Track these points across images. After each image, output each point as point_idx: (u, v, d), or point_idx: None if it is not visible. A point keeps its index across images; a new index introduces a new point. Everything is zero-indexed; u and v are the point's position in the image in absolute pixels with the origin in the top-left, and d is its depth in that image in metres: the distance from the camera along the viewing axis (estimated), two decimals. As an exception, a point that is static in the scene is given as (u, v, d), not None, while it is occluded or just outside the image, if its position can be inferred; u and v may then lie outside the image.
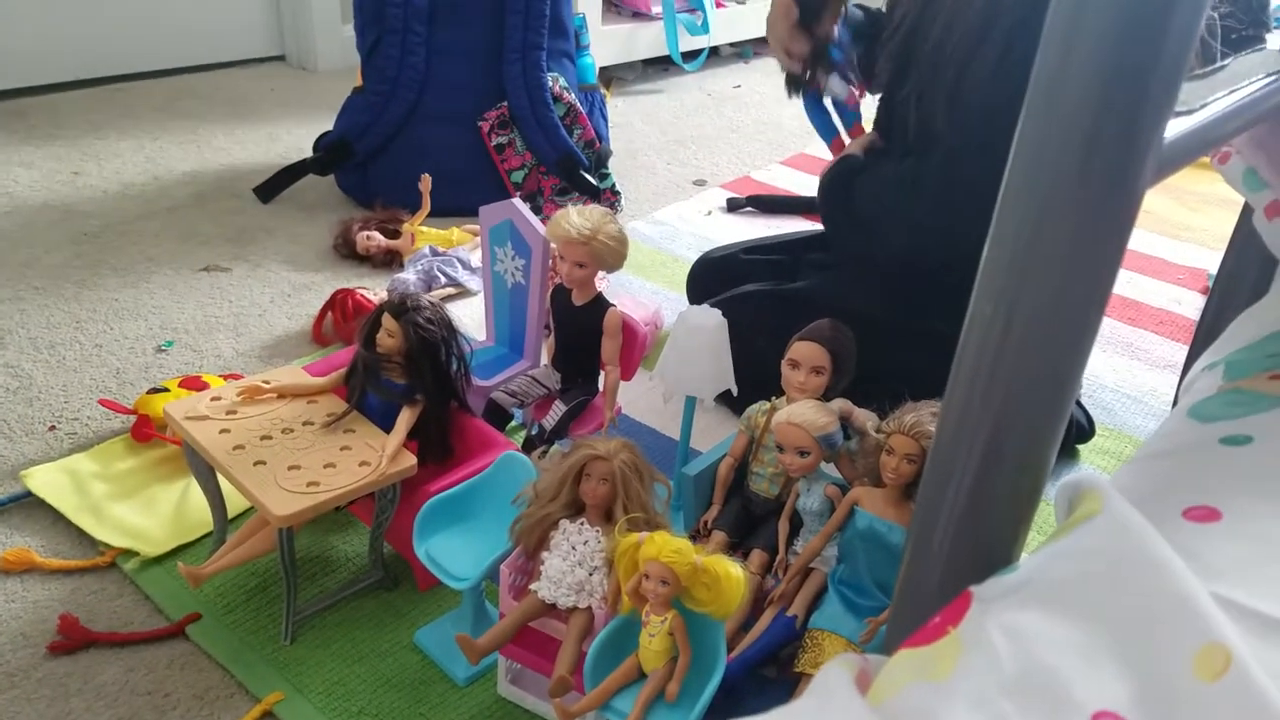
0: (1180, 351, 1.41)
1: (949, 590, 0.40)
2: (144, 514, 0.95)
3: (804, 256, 1.22)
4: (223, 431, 0.84)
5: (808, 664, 0.77)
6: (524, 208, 1.05)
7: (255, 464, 0.80)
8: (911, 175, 1.00)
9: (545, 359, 1.07)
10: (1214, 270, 1.36)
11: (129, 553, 0.90)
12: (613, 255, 0.95)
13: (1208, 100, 0.40)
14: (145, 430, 1.03)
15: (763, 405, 0.90)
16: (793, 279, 1.17)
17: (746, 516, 0.90)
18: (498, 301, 1.12)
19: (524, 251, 1.06)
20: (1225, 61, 0.46)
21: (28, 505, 0.96)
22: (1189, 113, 0.38)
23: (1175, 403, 0.72)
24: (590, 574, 0.72)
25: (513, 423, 1.06)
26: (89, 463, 1.01)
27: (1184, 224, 1.91)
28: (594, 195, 1.71)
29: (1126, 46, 0.32)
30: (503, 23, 1.65)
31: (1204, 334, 1.01)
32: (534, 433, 1.00)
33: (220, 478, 0.87)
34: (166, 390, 1.06)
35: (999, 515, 0.41)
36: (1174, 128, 0.35)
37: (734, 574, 0.66)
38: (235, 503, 0.92)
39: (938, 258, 0.94)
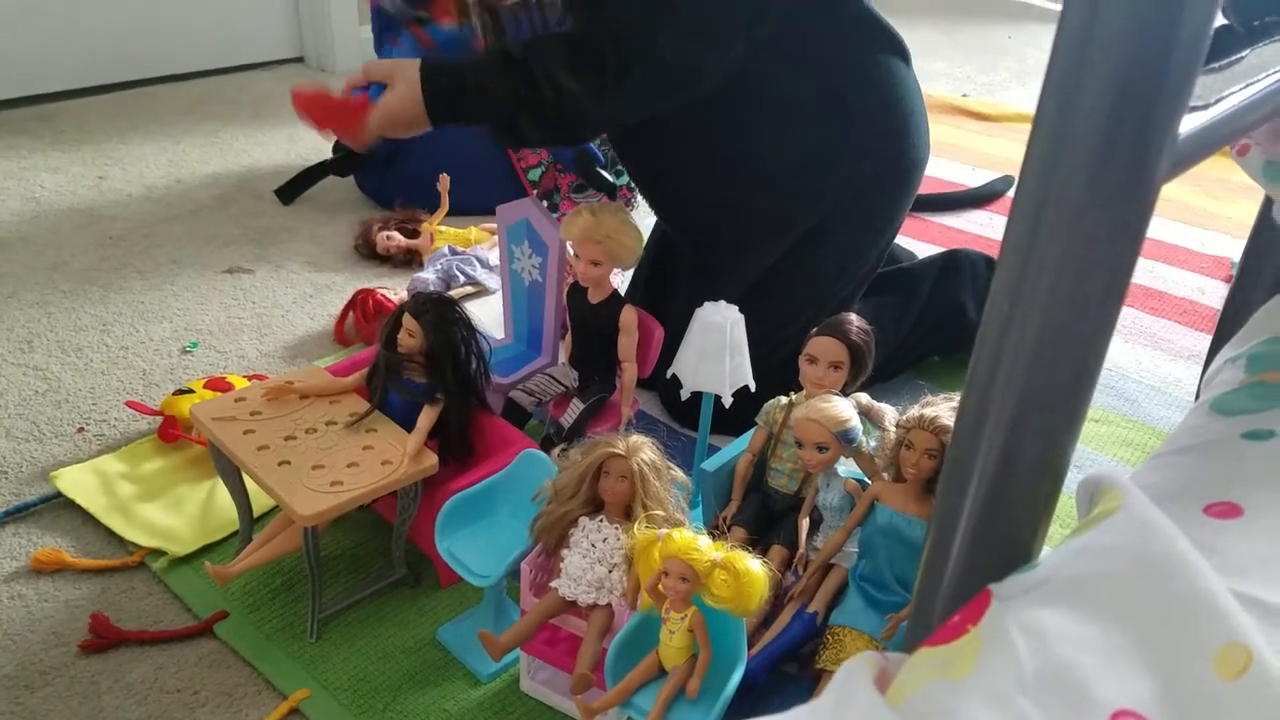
0: (1204, 341, 1.39)
1: (968, 588, 0.40)
2: (171, 514, 0.97)
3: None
4: (248, 432, 0.85)
5: (829, 660, 0.77)
6: (540, 206, 1.06)
7: (280, 464, 0.81)
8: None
9: (563, 357, 1.07)
10: (1238, 259, 1.34)
11: (157, 552, 0.92)
12: (627, 252, 0.95)
13: (1224, 94, 0.40)
14: (172, 431, 1.05)
15: (781, 400, 0.90)
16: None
17: (765, 512, 0.90)
18: (515, 299, 1.13)
19: (540, 249, 1.06)
20: (1243, 53, 0.46)
21: (57, 506, 0.98)
22: (1205, 107, 0.38)
23: (1198, 395, 0.71)
24: (610, 571, 0.73)
25: (531, 421, 1.07)
26: (117, 463, 1.03)
27: (1207, 212, 1.88)
28: (610, 192, 1.71)
29: (1140, 43, 0.32)
30: (518, 21, 1.66)
31: (1228, 323, 1.00)
32: (551, 430, 1.00)
33: (246, 477, 0.88)
34: (192, 391, 1.08)
35: (1018, 513, 0.41)
36: (1189, 123, 0.34)
37: (754, 570, 0.66)
38: (260, 502, 0.93)
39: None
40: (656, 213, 1.19)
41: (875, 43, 1.04)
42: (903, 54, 1.06)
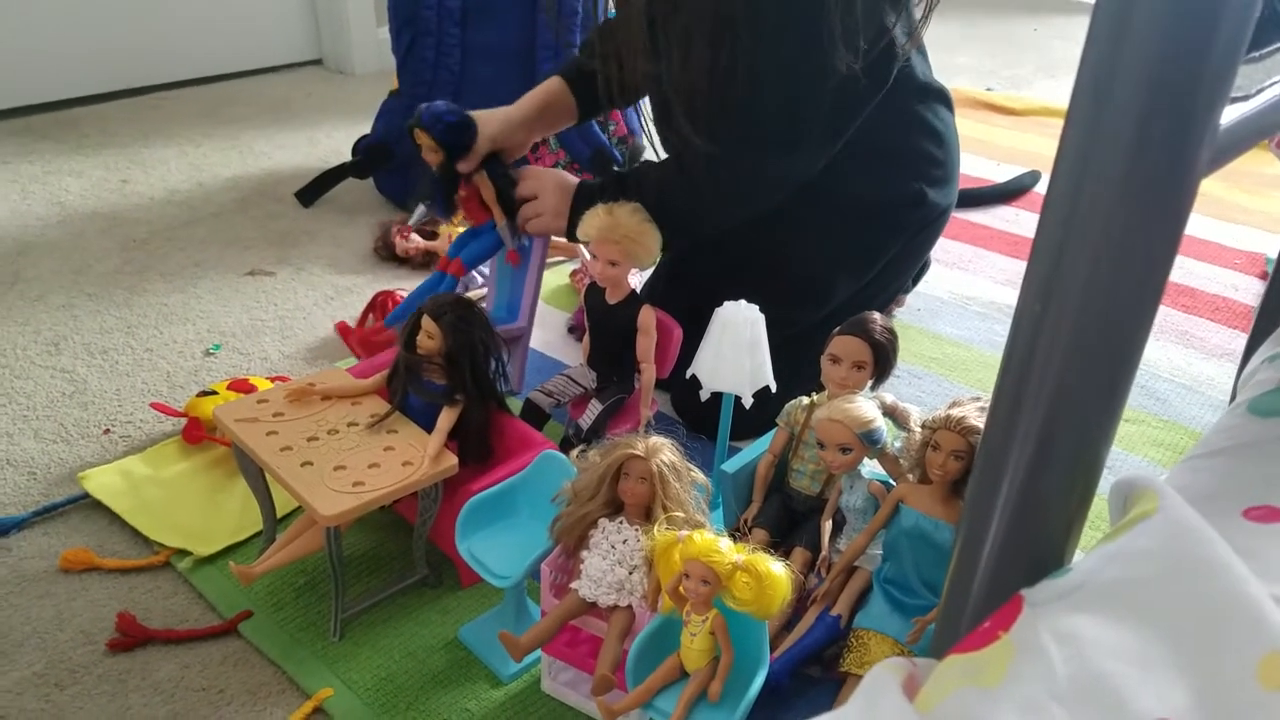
0: (1238, 339, 1.37)
1: (999, 593, 0.39)
2: (196, 514, 0.97)
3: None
4: (270, 433, 0.85)
5: (853, 664, 0.77)
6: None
7: (302, 465, 0.82)
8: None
9: (581, 358, 1.07)
10: (1273, 254, 1.31)
11: (182, 552, 0.92)
12: (646, 252, 0.95)
13: (1265, 84, 0.39)
14: (196, 433, 1.05)
15: (802, 401, 0.90)
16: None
17: (787, 514, 0.90)
18: (500, 264, 1.15)
19: None
20: (1283, 42, 0.44)
21: (85, 506, 0.99)
22: (1245, 98, 0.37)
23: (1234, 394, 0.70)
24: (630, 573, 0.72)
25: (549, 422, 1.06)
26: (142, 465, 1.04)
27: (1240, 207, 1.85)
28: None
29: (1179, 31, 0.31)
30: (535, 22, 1.66)
31: (1264, 321, 0.98)
32: (570, 432, 1.00)
33: (269, 478, 0.88)
34: (216, 393, 1.09)
35: (1050, 516, 0.40)
36: (1230, 114, 0.33)
37: (776, 573, 0.65)
38: (284, 502, 0.94)
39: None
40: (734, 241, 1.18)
41: (933, 100, 1.18)
42: (950, 105, 1.21)
